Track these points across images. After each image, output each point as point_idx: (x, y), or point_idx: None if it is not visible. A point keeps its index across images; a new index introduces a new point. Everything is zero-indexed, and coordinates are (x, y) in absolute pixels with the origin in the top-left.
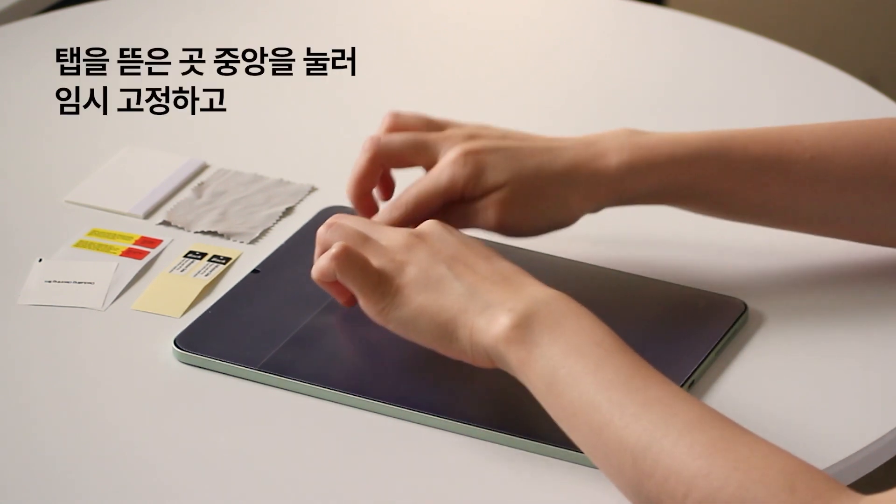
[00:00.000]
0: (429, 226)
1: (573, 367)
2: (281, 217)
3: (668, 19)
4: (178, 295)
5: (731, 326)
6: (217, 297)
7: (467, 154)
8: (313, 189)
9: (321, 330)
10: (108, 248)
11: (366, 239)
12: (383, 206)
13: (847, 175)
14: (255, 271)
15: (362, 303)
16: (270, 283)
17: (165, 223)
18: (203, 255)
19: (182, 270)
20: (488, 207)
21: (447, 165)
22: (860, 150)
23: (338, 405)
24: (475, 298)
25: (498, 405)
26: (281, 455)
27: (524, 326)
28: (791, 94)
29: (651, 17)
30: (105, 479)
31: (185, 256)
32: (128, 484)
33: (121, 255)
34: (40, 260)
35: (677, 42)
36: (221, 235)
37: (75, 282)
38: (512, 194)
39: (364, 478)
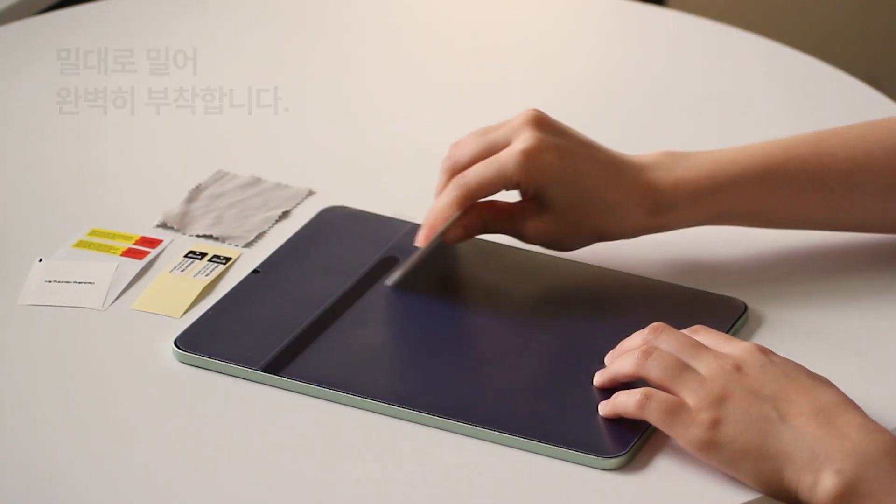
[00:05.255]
0: (750, 354)
1: None
2: (277, 221)
3: (667, 19)
4: (179, 295)
5: (732, 326)
6: (217, 297)
7: (528, 154)
8: (311, 192)
9: (321, 330)
10: (108, 248)
11: (683, 368)
12: (448, 186)
13: (881, 182)
14: (255, 271)
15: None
16: (271, 284)
17: (162, 225)
18: (203, 255)
19: (182, 270)
20: (537, 227)
21: (511, 158)
22: (892, 155)
23: (338, 405)
24: (801, 446)
25: (499, 405)
26: (281, 455)
27: (851, 495)
28: (791, 93)
29: (650, 16)
30: (105, 478)
31: (186, 256)
32: (127, 484)
33: (121, 255)
34: (40, 260)
35: (676, 42)
36: (217, 239)
37: (75, 282)
38: (561, 222)
39: (364, 478)
